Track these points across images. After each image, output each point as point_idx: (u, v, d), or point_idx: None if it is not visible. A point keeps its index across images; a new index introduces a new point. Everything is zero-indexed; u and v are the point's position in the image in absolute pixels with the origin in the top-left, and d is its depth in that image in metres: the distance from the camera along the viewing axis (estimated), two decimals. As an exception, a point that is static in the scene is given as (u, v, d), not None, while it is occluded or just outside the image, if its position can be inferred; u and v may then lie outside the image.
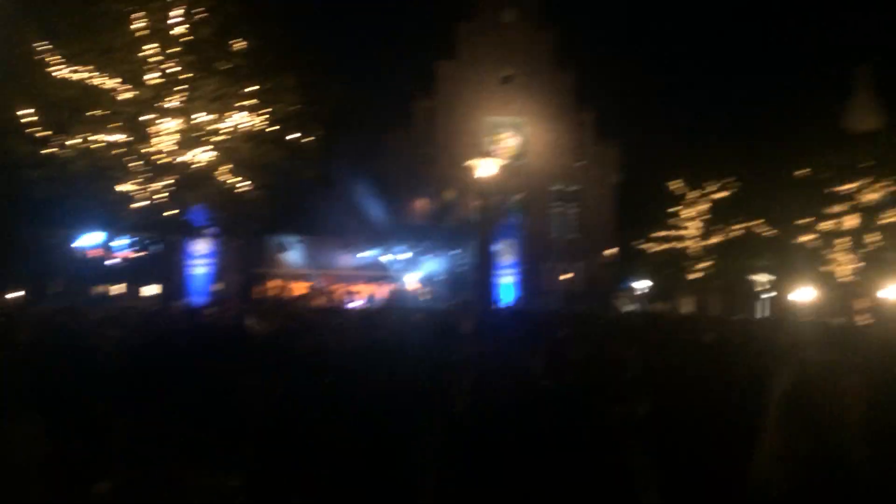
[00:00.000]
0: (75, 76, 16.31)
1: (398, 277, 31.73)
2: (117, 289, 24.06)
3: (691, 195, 33.75)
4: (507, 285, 31.18)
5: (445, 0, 38.35)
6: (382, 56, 63.00)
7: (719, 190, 33.00)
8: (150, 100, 16.85)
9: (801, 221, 27.97)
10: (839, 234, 27.56)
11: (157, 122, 16.97)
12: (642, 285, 37.48)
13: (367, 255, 31.86)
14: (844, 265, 27.86)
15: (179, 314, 10.50)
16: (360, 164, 32.86)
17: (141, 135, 16.98)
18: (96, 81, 16.41)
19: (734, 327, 9.48)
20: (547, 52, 37.76)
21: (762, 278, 29.44)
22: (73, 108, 16.57)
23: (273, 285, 28.20)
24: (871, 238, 27.27)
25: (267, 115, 17.89)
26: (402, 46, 41.92)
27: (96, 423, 4.54)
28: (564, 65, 37.86)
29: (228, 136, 17.60)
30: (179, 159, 17.32)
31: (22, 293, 20.26)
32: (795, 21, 68.93)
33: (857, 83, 33.92)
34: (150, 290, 23.02)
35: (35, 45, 16.13)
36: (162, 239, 18.95)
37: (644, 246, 35.70)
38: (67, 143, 16.44)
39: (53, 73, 16.23)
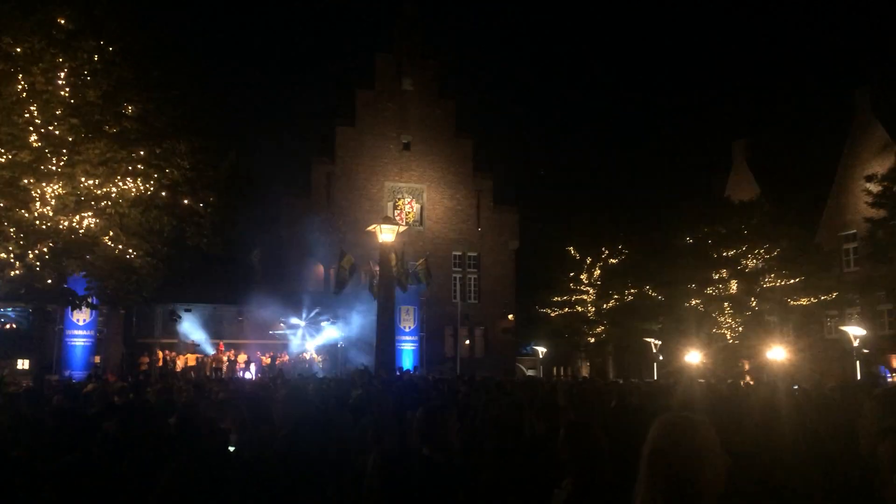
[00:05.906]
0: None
1: (295, 346, 30.88)
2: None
3: (587, 261, 34.75)
4: (408, 351, 30.88)
5: (346, 67, 38.81)
6: (281, 121, 62.69)
7: (612, 256, 34.15)
8: (31, 163, 15.92)
9: (688, 286, 29.19)
10: (724, 298, 28.93)
11: (38, 186, 16.02)
12: (541, 349, 37.95)
13: (263, 323, 30.92)
14: (731, 328, 29.17)
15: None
16: (258, 230, 32.17)
17: (19, 199, 15.96)
18: (-30, 143, 15.40)
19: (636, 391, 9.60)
20: (446, 120, 38.67)
21: (655, 341, 30.35)
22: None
23: (160, 356, 26.73)
24: (754, 302, 28.77)
25: (157, 181, 17.24)
26: (302, 111, 41.94)
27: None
28: (463, 133, 38.86)
29: (115, 202, 16.82)
30: (61, 225, 16.37)
31: None
32: (683, 100, 73.55)
33: (735, 157, 36.42)
34: (22, 363, 21.36)
35: None
36: (37, 308, 17.71)
37: (543, 311, 36.31)
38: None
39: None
